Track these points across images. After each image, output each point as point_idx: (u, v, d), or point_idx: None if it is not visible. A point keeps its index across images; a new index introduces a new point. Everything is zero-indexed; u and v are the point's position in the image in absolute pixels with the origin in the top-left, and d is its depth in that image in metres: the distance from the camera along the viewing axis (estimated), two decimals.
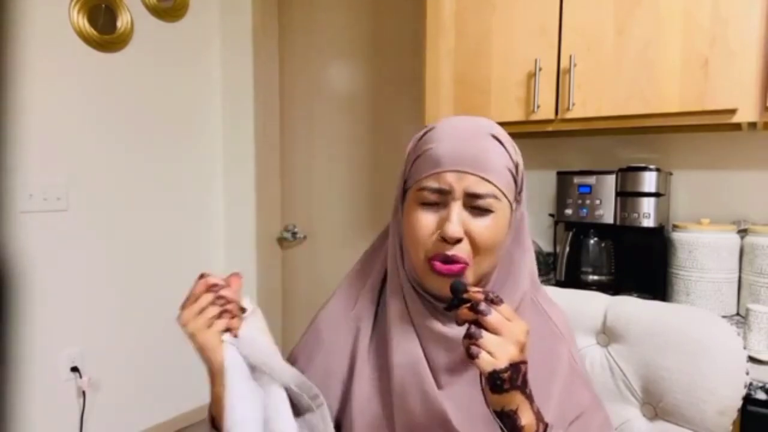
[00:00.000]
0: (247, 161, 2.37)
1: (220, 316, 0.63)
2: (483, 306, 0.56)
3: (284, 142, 2.45)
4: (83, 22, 1.92)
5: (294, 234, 2.44)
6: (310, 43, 2.36)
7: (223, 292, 0.64)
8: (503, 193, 0.65)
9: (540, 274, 1.69)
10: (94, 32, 1.96)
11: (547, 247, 1.79)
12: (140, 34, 2.11)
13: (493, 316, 0.56)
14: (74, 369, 1.95)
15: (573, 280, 1.55)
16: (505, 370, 0.55)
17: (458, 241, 0.63)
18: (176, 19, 2.24)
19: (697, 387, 0.74)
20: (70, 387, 1.96)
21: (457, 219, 0.63)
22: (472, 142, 0.65)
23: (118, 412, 2.11)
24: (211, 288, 0.64)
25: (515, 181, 0.68)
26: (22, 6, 1.70)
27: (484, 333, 0.55)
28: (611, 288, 1.53)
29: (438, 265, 0.64)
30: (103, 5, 1.99)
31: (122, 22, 2.04)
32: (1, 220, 0.27)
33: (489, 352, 0.55)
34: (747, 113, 1.25)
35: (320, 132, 2.38)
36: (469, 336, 0.56)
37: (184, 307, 0.63)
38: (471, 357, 0.55)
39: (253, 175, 2.36)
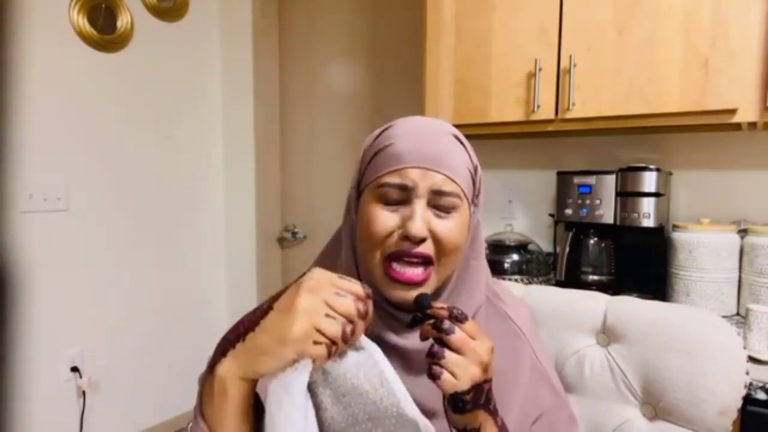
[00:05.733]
0: (247, 161, 2.37)
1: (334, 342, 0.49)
2: (447, 324, 0.53)
3: (284, 141, 2.45)
4: (83, 22, 1.92)
5: (294, 234, 2.44)
6: (310, 44, 2.36)
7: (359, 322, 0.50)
8: (465, 194, 0.63)
9: (540, 274, 1.70)
10: (94, 32, 1.96)
11: (547, 247, 1.79)
12: (140, 34, 2.11)
13: (457, 335, 0.53)
14: (74, 369, 1.95)
15: (573, 280, 1.55)
16: (467, 392, 0.53)
17: (422, 241, 0.60)
18: (176, 19, 2.24)
19: (697, 387, 0.74)
20: (70, 387, 1.96)
21: (422, 217, 0.60)
22: (434, 140, 0.63)
23: (118, 412, 2.11)
24: (360, 305, 0.50)
25: (474, 184, 0.66)
26: (22, 6, 1.70)
27: (447, 352, 0.53)
28: (611, 288, 1.53)
29: (395, 272, 0.60)
30: (103, 5, 1.99)
31: (122, 22, 2.04)
32: (1, 220, 0.27)
33: (451, 373, 0.52)
34: (747, 113, 1.25)
35: (320, 132, 2.38)
36: (431, 354, 0.53)
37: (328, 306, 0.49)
38: (433, 377, 0.53)
39: (253, 175, 2.36)
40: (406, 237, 0.59)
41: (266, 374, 0.49)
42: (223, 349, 0.51)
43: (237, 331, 0.51)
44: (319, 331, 0.48)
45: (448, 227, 0.61)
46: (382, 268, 0.62)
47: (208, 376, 0.52)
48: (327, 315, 0.48)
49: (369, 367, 0.51)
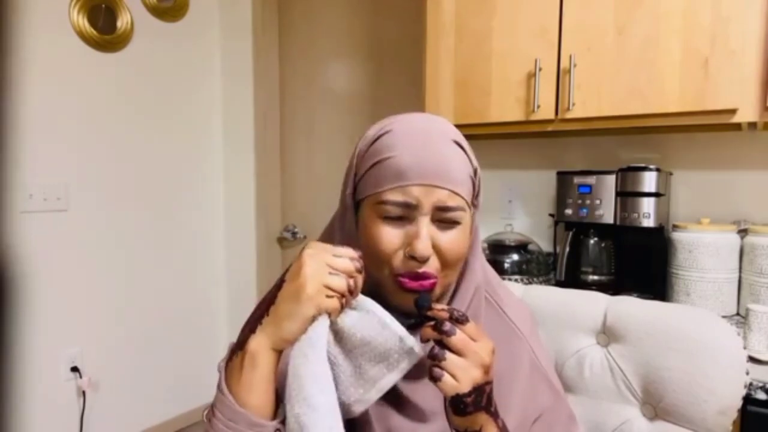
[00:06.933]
0: (247, 161, 2.37)
1: (342, 295, 0.55)
2: (447, 326, 0.54)
3: (284, 142, 2.45)
4: (83, 22, 1.92)
5: (294, 234, 2.44)
6: (311, 44, 2.36)
7: (359, 277, 0.57)
8: (467, 203, 0.63)
9: (540, 274, 1.70)
10: (94, 32, 1.96)
11: (547, 247, 1.79)
12: (140, 34, 2.11)
13: (458, 337, 0.53)
14: (74, 369, 1.96)
15: (573, 280, 1.55)
16: (468, 394, 0.53)
17: (428, 258, 0.60)
18: (176, 19, 2.24)
19: (698, 387, 0.74)
20: (70, 387, 1.96)
21: (427, 236, 0.59)
22: (436, 150, 0.61)
23: (118, 412, 2.11)
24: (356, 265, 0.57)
25: (474, 186, 0.65)
26: (22, 6, 1.70)
27: (447, 354, 0.53)
28: (611, 288, 1.52)
29: (407, 282, 0.60)
30: (103, 5, 1.99)
31: (122, 22, 2.04)
32: (1, 220, 0.27)
33: (452, 375, 0.53)
34: (747, 113, 1.25)
35: (320, 132, 2.38)
36: (432, 356, 0.54)
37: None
38: (433, 379, 0.53)
39: (253, 175, 2.36)
40: (412, 256, 0.59)
41: (292, 339, 0.54)
42: (251, 328, 0.56)
43: (260, 311, 0.56)
44: (327, 287, 0.54)
45: (451, 240, 0.61)
46: (389, 281, 0.62)
47: (233, 356, 0.56)
48: (331, 273, 0.54)
49: (369, 319, 0.57)
